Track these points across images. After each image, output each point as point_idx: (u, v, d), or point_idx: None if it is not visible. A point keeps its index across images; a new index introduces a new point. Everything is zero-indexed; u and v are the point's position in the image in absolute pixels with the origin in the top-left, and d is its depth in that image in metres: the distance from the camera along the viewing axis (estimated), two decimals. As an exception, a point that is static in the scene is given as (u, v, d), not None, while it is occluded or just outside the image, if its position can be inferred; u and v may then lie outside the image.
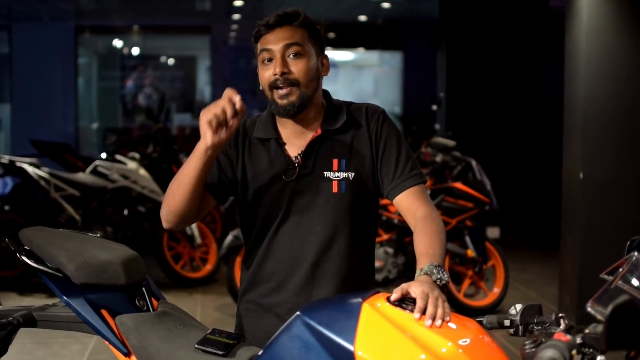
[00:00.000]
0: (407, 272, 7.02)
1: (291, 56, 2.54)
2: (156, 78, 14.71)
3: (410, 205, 2.57)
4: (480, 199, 6.78)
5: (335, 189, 2.58)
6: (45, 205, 7.44)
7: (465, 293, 6.92)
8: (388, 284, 6.84)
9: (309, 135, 2.62)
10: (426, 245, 2.42)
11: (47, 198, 7.42)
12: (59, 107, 13.43)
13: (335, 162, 2.59)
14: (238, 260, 6.67)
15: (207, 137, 2.35)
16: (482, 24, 11.77)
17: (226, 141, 2.39)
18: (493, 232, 7.68)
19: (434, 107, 8.52)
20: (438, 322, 2.06)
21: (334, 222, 2.58)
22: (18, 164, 7.43)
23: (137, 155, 8.01)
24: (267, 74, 2.55)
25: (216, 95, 14.54)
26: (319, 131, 2.61)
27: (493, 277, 7.00)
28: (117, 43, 14.77)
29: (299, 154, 2.60)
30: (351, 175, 2.58)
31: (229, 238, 6.70)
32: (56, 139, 9.87)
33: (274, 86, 2.54)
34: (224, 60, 14.83)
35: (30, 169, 7.39)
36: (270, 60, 2.55)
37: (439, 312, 2.08)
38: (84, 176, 7.64)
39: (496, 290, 6.92)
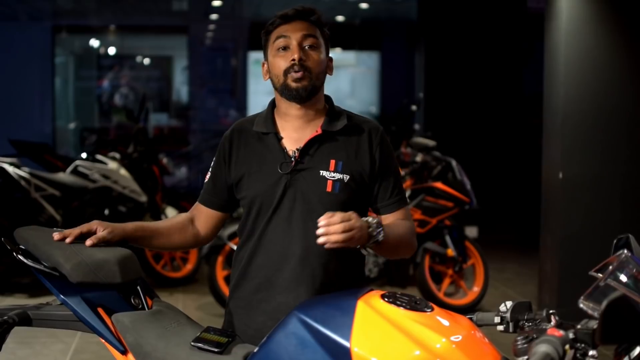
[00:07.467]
0: (388, 272, 7.07)
1: (307, 47, 2.63)
2: (133, 78, 14.65)
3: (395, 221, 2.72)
4: (461, 199, 6.85)
5: (329, 188, 2.61)
6: (26, 205, 7.38)
7: (446, 292, 6.98)
8: (369, 283, 6.86)
9: (309, 133, 2.66)
10: (394, 223, 2.65)
11: (27, 198, 7.37)
12: (36, 106, 13.37)
13: (332, 162, 2.63)
14: (220, 259, 6.69)
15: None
16: (460, 24, 11.81)
17: (109, 235, 2.60)
18: (471, 232, 7.73)
19: (414, 108, 8.55)
20: (322, 234, 2.34)
21: None
22: (-2, 163, 7.39)
23: (117, 155, 7.96)
24: (282, 61, 2.63)
25: (193, 95, 14.55)
26: (319, 130, 2.66)
27: (473, 276, 7.07)
28: (95, 43, 14.71)
29: (297, 149, 2.64)
30: (346, 177, 2.61)
31: (211, 237, 6.68)
32: (33, 138, 9.80)
33: (289, 71, 2.61)
34: (201, 60, 14.81)
35: (10, 169, 7.33)
36: (284, 48, 2.63)
37: (336, 228, 2.34)
38: (64, 176, 7.60)
39: (476, 289, 6.98)
